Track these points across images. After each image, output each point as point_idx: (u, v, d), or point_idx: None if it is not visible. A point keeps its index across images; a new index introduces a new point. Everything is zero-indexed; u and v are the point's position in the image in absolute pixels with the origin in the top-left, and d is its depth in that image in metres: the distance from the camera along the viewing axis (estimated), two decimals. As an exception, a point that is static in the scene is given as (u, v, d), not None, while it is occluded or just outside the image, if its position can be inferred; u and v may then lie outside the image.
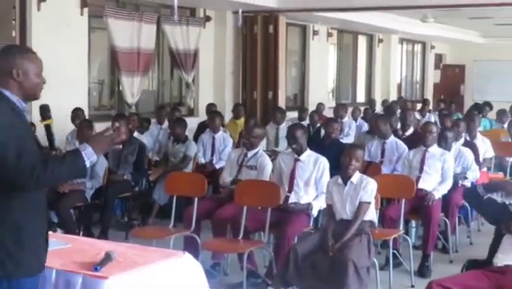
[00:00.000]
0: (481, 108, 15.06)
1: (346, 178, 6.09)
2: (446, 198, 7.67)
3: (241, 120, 11.84)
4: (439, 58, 24.72)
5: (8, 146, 3.16)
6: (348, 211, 6.02)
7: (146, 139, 10.01)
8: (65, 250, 4.35)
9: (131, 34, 11.15)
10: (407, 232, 7.60)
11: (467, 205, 8.37)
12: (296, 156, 6.94)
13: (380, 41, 19.71)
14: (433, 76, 24.21)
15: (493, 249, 4.99)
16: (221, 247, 6.68)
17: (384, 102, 17.35)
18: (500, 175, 9.98)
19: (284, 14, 13.68)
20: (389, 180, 7.47)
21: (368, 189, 6.01)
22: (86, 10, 10.44)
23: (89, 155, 3.36)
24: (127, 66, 11.11)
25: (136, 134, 9.63)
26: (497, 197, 5.19)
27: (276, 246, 6.67)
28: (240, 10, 12.88)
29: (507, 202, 5.13)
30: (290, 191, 6.84)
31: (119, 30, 10.92)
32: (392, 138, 8.98)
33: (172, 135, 9.68)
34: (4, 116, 3.24)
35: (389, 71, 20.04)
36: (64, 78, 9.60)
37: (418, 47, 23.24)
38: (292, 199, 6.79)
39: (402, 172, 7.99)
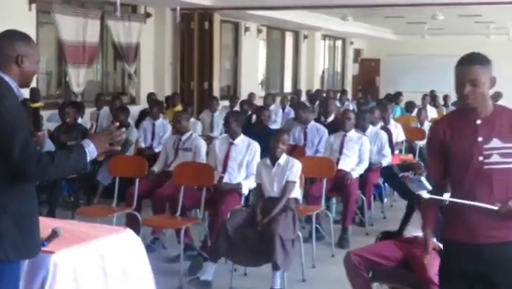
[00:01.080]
0: (393, 98, 15.33)
1: (274, 160, 6.12)
2: (363, 178, 7.78)
3: (178, 108, 11.76)
4: (357, 52, 25.01)
5: (18, 131, 2.92)
6: (276, 189, 6.05)
7: (89, 124, 9.87)
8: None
9: (77, 28, 10.95)
10: (328, 208, 7.68)
11: (381, 183, 8.55)
12: (231, 140, 6.94)
13: (305, 37, 19.82)
14: (352, 69, 24.49)
15: (404, 222, 5.09)
16: (160, 223, 6.65)
17: (308, 92, 17.48)
18: (410, 157, 10.15)
19: (218, 11, 13.63)
20: (312, 161, 7.53)
21: (294, 169, 6.06)
22: (34, 5, 10.21)
23: (92, 152, 3.17)
24: (73, 58, 10.92)
25: (80, 120, 9.48)
26: (411, 175, 5.30)
27: (210, 222, 6.68)
28: (178, 8, 12.81)
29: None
30: (224, 172, 6.84)
31: (65, 25, 10.71)
32: (313, 123, 9.03)
33: (115, 122, 9.55)
34: (14, 98, 3.02)
35: (313, 64, 20.18)
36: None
37: (339, 43, 23.46)
38: (226, 179, 6.80)
39: (324, 155, 8.07)
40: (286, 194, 5.97)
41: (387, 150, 8.47)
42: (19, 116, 2.99)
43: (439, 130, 3.52)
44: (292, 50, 19.85)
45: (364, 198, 7.85)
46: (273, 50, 18.92)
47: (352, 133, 7.94)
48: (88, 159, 3.18)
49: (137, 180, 6.86)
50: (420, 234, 4.87)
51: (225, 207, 6.41)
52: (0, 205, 3.02)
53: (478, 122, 3.38)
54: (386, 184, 8.47)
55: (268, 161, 6.16)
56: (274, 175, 6.08)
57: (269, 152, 6.26)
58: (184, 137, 7.42)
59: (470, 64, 3.34)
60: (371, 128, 8.58)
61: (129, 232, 4.29)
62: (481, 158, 3.33)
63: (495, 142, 3.35)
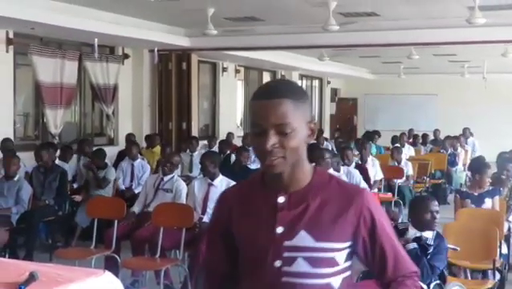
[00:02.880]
0: (371, 136, 15.43)
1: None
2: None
3: (157, 148, 11.76)
4: (334, 92, 25.17)
5: None
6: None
7: (68, 166, 9.81)
8: (-10, 271, 4.17)
9: (54, 70, 10.94)
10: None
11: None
12: (209, 180, 6.92)
13: (283, 77, 19.94)
14: (330, 108, 24.62)
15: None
16: (139, 265, 6.59)
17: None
18: (389, 195, 10.19)
19: (196, 52, 13.70)
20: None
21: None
22: (11, 47, 10.21)
23: None
24: (50, 99, 10.89)
25: (58, 162, 9.43)
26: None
27: (190, 262, 6.62)
28: (156, 49, 12.86)
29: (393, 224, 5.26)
30: (203, 213, 6.81)
31: (43, 66, 10.69)
32: None
33: (93, 163, 9.53)
34: None
35: (291, 103, 20.21)
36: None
37: (316, 82, 23.61)
38: (205, 220, 6.77)
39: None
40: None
41: (363, 185, 8.50)
42: None
43: (223, 207, 2.26)
44: (270, 89, 19.91)
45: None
46: (251, 90, 18.95)
47: (329, 171, 7.95)
48: None
49: (116, 221, 6.81)
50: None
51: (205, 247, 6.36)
52: None
53: (281, 200, 2.07)
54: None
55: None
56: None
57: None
58: (166, 178, 7.42)
59: (276, 97, 1.99)
60: (342, 168, 8.61)
61: (108, 275, 4.22)
62: (278, 263, 2.05)
63: (303, 238, 2.04)
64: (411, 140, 16.09)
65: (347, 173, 8.56)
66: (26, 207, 7.90)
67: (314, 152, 8.53)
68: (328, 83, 23.84)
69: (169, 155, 8.06)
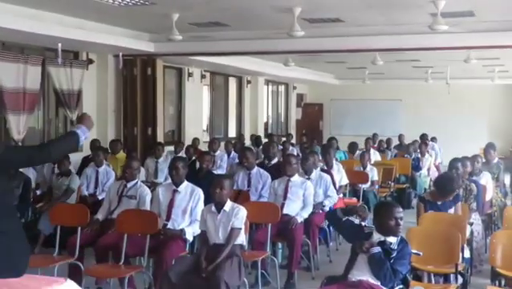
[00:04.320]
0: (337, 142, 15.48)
1: (219, 206, 6.10)
2: (308, 221, 7.81)
3: (121, 155, 11.66)
4: (300, 97, 25.28)
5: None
6: (221, 236, 6.02)
7: (31, 172, 9.67)
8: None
9: (16, 75, 10.79)
10: (274, 253, 7.67)
11: (326, 227, 8.59)
12: (174, 187, 6.89)
13: (248, 82, 19.99)
14: (296, 113, 24.72)
15: (349, 266, 5.10)
16: (103, 273, 6.52)
17: (252, 136, 17.57)
18: (354, 200, 10.25)
19: (161, 57, 13.66)
20: (257, 206, 7.51)
21: (239, 216, 6.05)
22: (-28, 52, 10.07)
23: (84, 131, 4.07)
24: (13, 105, 10.74)
25: (21, 169, 9.29)
26: (354, 219, 5.35)
27: (154, 269, 6.58)
28: (120, 54, 12.78)
29: (363, 224, 5.29)
30: (168, 219, 6.77)
31: (4, 71, 10.54)
32: (256, 168, 9.03)
33: (57, 169, 9.43)
34: None
35: (257, 108, 20.32)
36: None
37: (282, 88, 23.70)
38: (169, 226, 6.73)
39: (269, 200, 8.08)
40: (232, 241, 5.95)
41: (331, 191, 8.56)
42: None
43: None
44: (236, 94, 19.97)
45: (310, 242, 7.86)
46: (217, 95, 18.99)
47: (296, 178, 7.99)
48: (81, 138, 4.05)
49: (79, 228, 6.74)
50: (364, 277, 4.91)
51: (169, 254, 6.34)
52: None
53: None
54: (331, 227, 8.52)
55: (213, 208, 6.14)
56: (219, 222, 6.06)
57: (211, 198, 6.24)
58: (129, 184, 7.38)
59: None
60: (315, 172, 8.66)
61: (70, 282, 4.18)
62: None
63: None
64: (375, 146, 16.21)
65: (319, 177, 8.59)
66: (-13, 214, 7.76)
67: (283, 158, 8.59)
68: (294, 88, 23.94)
69: (128, 160, 7.98)
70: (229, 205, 6.13)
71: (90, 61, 12.98)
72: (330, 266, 8.21)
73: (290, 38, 9.96)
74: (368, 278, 4.91)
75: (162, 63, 14.05)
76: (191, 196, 6.86)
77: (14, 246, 3.72)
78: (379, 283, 4.87)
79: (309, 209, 7.81)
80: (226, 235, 6.00)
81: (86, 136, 4.09)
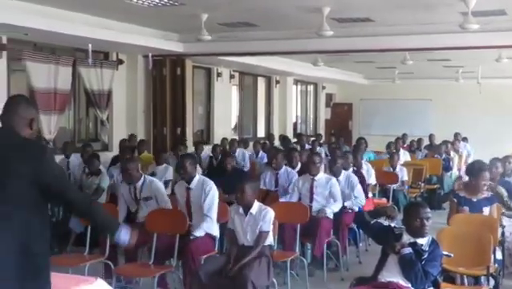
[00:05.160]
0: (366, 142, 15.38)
1: (246, 209, 6.08)
2: (337, 222, 7.77)
3: (145, 155, 11.70)
4: (329, 97, 25.18)
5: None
6: (249, 238, 6.02)
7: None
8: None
9: (48, 75, 10.89)
10: (303, 254, 7.64)
11: (355, 228, 8.53)
12: (186, 184, 6.87)
13: (277, 82, 19.95)
14: (325, 113, 24.63)
15: (379, 267, 5.06)
16: (133, 272, 6.56)
17: (280, 136, 17.54)
18: (384, 201, 10.18)
19: (190, 57, 13.69)
20: (285, 207, 7.49)
21: (267, 218, 6.02)
22: (5, 53, 10.17)
23: (125, 233, 3.70)
24: (44, 105, 10.82)
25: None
26: (383, 221, 5.31)
27: (184, 269, 6.59)
28: (150, 54, 12.83)
29: (392, 225, 5.24)
30: (190, 220, 6.75)
31: (36, 72, 10.64)
32: (284, 168, 8.99)
33: (88, 169, 9.50)
34: None
35: (285, 108, 20.28)
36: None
37: (311, 88, 23.62)
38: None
39: (291, 196, 8.05)
40: (260, 244, 5.94)
41: (357, 191, 8.48)
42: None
43: None
44: (264, 94, 19.96)
45: (339, 243, 7.82)
46: (245, 95, 19.00)
47: (321, 175, 7.96)
48: (120, 233, 3.66)
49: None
50: (394, 279, 4.87)
51: (197, 254, 6.34)
52: None
53: None
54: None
55: (241, 210, 6.12)
56: (246, 224, 6.04)
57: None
58: (137, 185, 7.19)
59: None
60: (343, 173, 8.61)
61: (100, 282, 4.21)
62: None
63: None
64: (405, 146, 16.08)
65: (346, 178, 8.54)
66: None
67: (307, 158, 8.55)
68: (323, 88, 23.85)
69: (125, 162, 7.60)
70: (255, 207, 6.09)
71: (120, 61, 13.06)
72: (359, 267, 8.16)
73: (319, 38, 9.93)
74: (399, 279, 4.87)
75: (191, 63, 14.09)
76: (202, 189, 6.79)
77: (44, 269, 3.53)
78: (409, 285, 4.82)
79: (339, 204, 7.79)
80: (254, 238, 5.99)
81: (123, 239, 3.70)
